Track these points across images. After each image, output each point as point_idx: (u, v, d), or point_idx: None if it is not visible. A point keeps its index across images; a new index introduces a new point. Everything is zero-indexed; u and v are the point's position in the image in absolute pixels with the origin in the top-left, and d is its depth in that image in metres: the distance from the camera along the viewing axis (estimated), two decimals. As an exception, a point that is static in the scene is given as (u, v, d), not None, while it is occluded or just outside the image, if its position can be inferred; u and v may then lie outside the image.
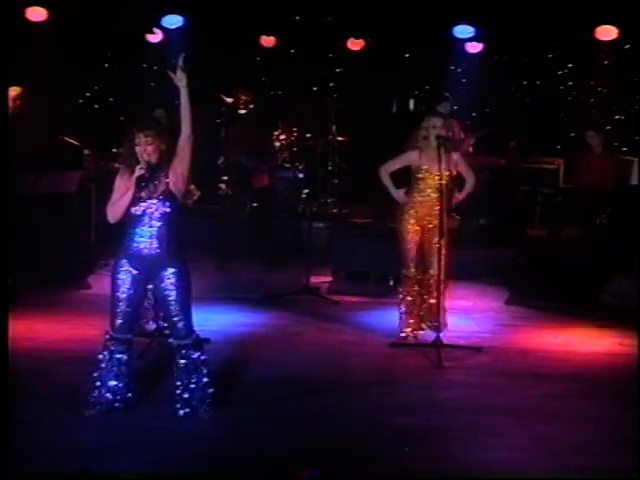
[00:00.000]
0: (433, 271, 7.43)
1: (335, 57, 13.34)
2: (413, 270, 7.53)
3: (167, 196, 5.57)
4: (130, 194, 5.53)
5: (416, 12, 11.73)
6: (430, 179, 7.42)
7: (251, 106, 10.98)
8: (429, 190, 7.44)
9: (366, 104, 12.96)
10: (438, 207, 7.31)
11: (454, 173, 7.59)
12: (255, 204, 10.88)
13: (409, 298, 7.55)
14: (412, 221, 7.49)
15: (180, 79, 5.62)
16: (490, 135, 10.96)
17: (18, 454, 4.95)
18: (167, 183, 5.58)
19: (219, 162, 11.41)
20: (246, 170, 10.65)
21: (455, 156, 7.52)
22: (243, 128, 10.73)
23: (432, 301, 7.47)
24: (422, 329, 7.60)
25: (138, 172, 5.53)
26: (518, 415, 5.94)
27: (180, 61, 5.66)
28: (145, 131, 5.59)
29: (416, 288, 7.57)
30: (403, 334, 7.55)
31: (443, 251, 7.34)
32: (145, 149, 5.56)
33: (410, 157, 7.56)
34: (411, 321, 7.56)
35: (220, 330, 7.57)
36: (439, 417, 5.91)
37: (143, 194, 5.56)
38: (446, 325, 7.64)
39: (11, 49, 8.16)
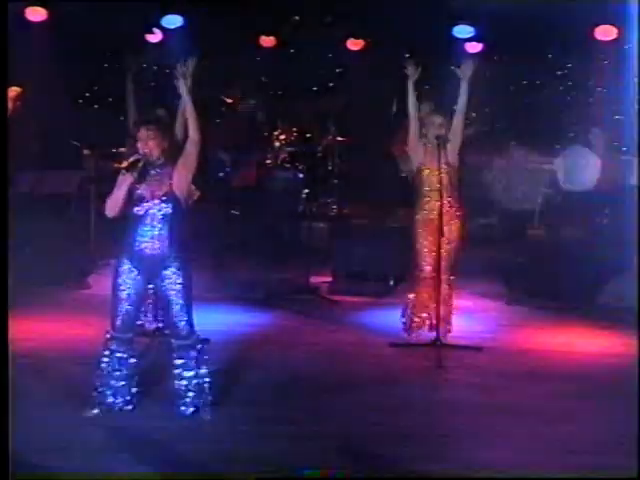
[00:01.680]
0: (442, 271, 7.38)
1: (335, 57, 13.34)
2: (428, 269, 7.47)
3: (170, 197, 5.58)
4: (127, 184, 5.51)
5: (416, 12, 11.72)
6: (432, 177, 7.40)
7: (244, 104, 10.97)
8: (432, 189, 7.40)
9: (366, 104, 12.95)
10: (447, 205, 7.27)
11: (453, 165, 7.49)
12: (235, 204, 10.78)
13: (422, 297, 7.50)
14: (423, 222, 7.44)
15: (181, 86, 5.65)
16: (477, 134, 10.90)
17: (18, 454, 4.95)
18: (171, 184, 5.58)
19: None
20: (225, 166, 10.53)
21: (449, 147, 7.39)
22: (230, 124, 10.67)
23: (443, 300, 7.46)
24: (430, 328, 7.54)
25: (133, 157, 5.52)
26: (518, 415, 5.95)
27: (180, 69, 5.66)
28: (147, 125, 5.60)
29: (429, 288, 7.49)
30: (411, 331, 7.52)
31: (444, 249, 7.32)
32: (147, 143, 5.57)
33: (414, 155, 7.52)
34: (419, 319, 7.49)
35: (220, 330, 7.57)
36: (439, 417, 5.91)
37: (143, 190, 5.55)
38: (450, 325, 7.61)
39: (11, 49, 8.16)
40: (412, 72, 7.44)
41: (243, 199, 10.97)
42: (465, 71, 7.35)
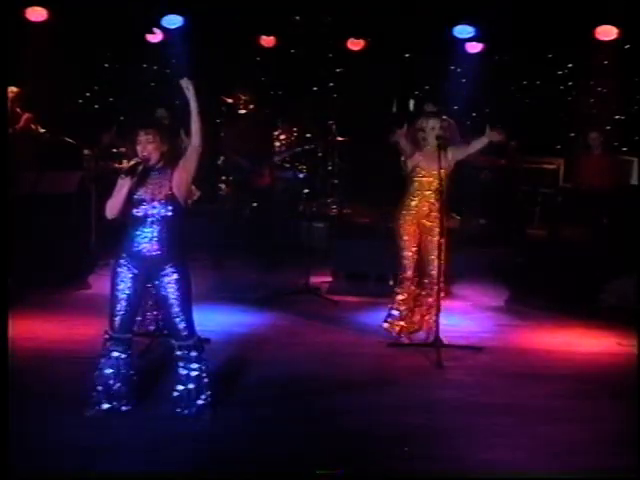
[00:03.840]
0: (433, 272, 7.41)
1: (335, 57, 13.34)
2: (410, 272, 7.52)
3: (169, 199, 5.57)
4: (126, 188, 5.51)
5: (416, 12, 11.72)
6: (428, 179, 7.41)
7: (251, 106, 11.00)
8: (426, 190, 7.43)
9: (366, 104, 12.95)
10: (437, 206, 7.32)
11: (451, 169, 7.51)
12: (255, 204, 10.89)
13: (405, 299, 7.54)
14: (410, 222, 7.48)
15: (188, 88, 5.67)
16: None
17: (18, 454, 4.95)
18: (171, 187, 5.58)
19: (219, 162, 11.42)
20: (245, 170, 10.66)
21: (450, 153, 7.45)
22: (242, 128, 10.75)
23: (430, 300, 7.46)
24: (414, 331, 7.59)
25: (133, 161, 5.52)
26: (518, 415, 5.95)
27: (184, 82, 5.69)
28: (146, 129, 5.60)
29: (413, 289, 7.57)
30: (390, 331, 7.56)
31: (442, 251, 7.34)
32: (145, 147, 5.56)
33: (412, 154, 7.53)
34: (402, 323, 7.56)
35: (220, 330, 7.57)
36: (439, 417, 5.91)
37: (142, 192, 5.55)
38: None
39: (11, 49, 8.17)
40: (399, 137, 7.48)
41: (260, 198, 11.00)
42: (492, 135, 7.38)
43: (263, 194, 10.77)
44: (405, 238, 7.50)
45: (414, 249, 7.50)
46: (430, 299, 7.45)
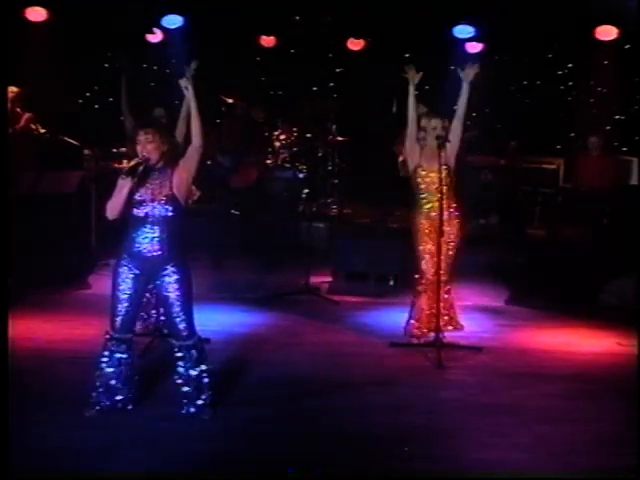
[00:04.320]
0: (443, 271, 7.39)
1: (335, 57, 13.34)
2: (430, 275, 7.40)
3: (170, 199, 5.57)
4: (127, 188, 5.50)
5: (416, 12, 11.72)
6: (430, 179, 7.39)
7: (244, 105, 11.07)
8: (431, 190, 7.39)
9: (366, 104, 12.95)
10: (449, 206, 7.27)
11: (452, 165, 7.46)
12: (237, 204, 10.88)
13: (426, 300, 7.48)
14: (430, 224, 7.41)
15: (187, 88, 5.67)
16: (476, 137, 10.87)
17: (18, 454, 4.96)
18: (171, 187, 5.58)
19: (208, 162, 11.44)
20: (222, 168, 10.66)
21: (448, 148, 7.37)
22: (229, 126, 10.76)
23: (446, 297, 7.47)
24: (432, 330, 7.56)
25: (134, 162, 5.52)
26: (518, 415, 5.95)
27: (188, 71, 5.70)
28: (145, 129, 5.60)
29: (431, 290, 7.47)
30: (417, 331, 7.50)
31: (450, 252, 7.33)
32: (145, 147, 5.56)
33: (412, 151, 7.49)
34: (425, 321, 7.51)
35: (220, 330, 7.57)
36: (439, 417, 5.91)
37: (143, 192, 5.55)
38: (462, 326, 7.68)
39: (11, 49, 8.16)
40: (413, 76, 7.43)
41: (243, 200, 11.02)
42: (468, 73, 7.30)
43: (243, 194, 10.72)
44: (422, 240, 7.44)
45: (432, 251, 7.42)
46: (444, 298, 7.44)
